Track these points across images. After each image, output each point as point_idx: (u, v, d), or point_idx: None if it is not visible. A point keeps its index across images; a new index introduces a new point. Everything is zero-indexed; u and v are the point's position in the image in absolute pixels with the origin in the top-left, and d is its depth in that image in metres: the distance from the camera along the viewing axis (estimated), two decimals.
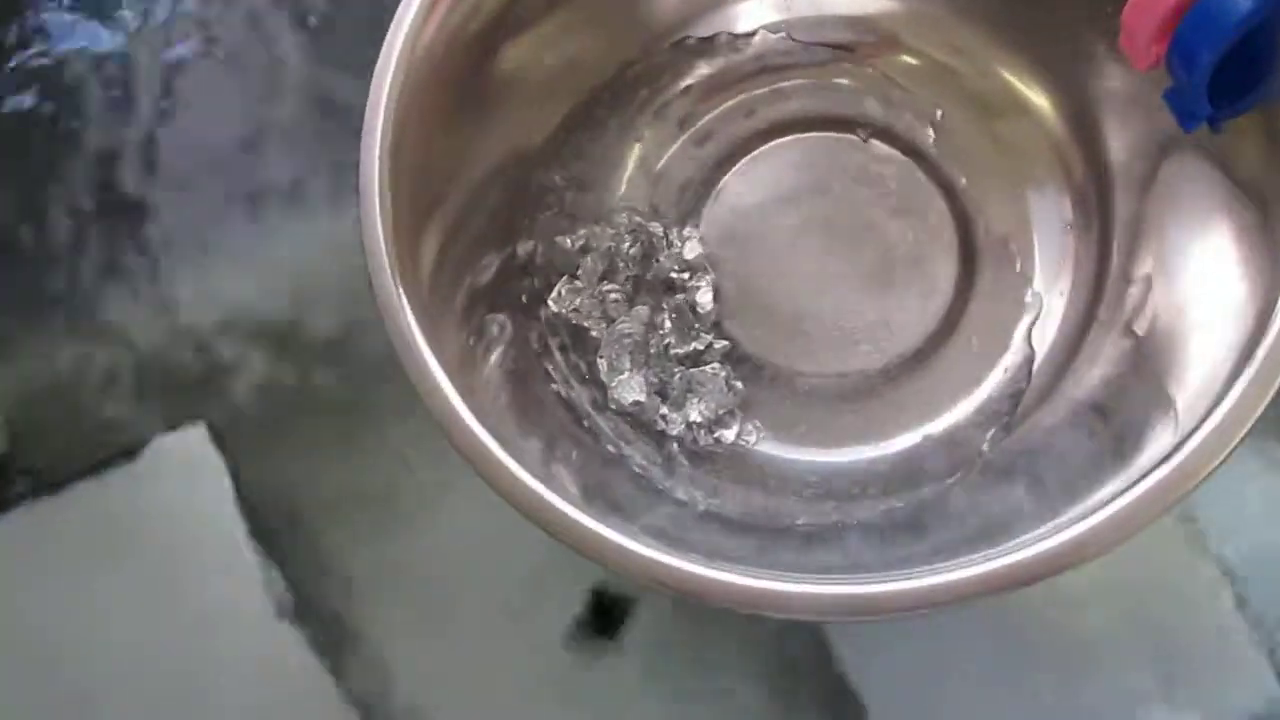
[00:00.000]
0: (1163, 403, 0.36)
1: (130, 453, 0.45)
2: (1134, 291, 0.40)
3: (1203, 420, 0.32)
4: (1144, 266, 0.40)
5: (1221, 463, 0.32)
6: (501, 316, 0.43)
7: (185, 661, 0.43)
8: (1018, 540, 0.35)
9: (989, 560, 0.32)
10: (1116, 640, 0.43)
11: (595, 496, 0.39)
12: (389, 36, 0.37)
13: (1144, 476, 0.32)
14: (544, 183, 0.45)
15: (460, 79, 0.39)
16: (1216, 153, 0.36)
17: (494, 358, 0.42)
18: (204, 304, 0.46)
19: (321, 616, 0.43)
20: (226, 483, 0.45)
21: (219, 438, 0.45)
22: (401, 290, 0.35)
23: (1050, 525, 0.35)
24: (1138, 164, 0.41)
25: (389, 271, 0.35)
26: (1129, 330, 0.39)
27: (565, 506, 0.33)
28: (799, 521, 0.41)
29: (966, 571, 0.32)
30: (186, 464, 0.46)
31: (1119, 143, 0.42)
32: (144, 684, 0.43)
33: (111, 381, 0.46)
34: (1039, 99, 0.43)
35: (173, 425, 0.46)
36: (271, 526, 0.44)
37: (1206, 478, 0.32)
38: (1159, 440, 0.35)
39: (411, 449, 0.45)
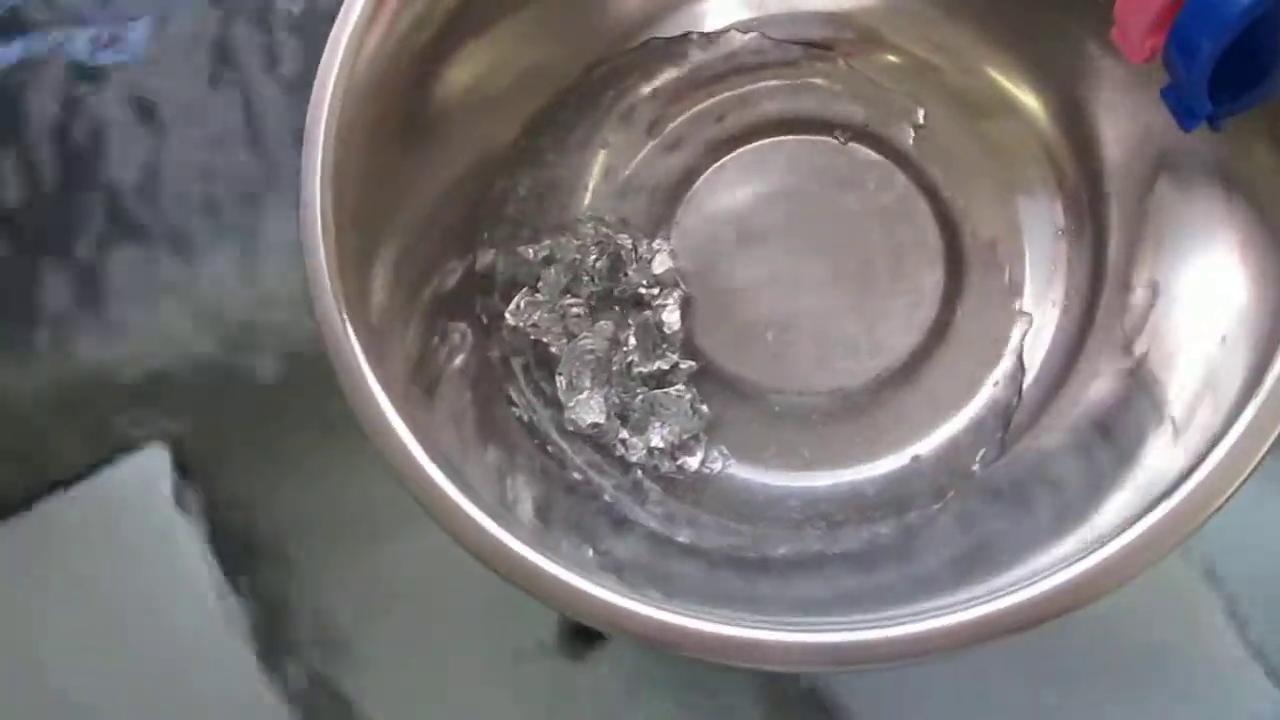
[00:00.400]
0: (1166, 424, 0.34)
1: (82, 477, 0.44)
2: (1133, 303, 0.38)
3: (1214, 443, 0.30)
4: (1142, 276, 0.38)
5: (1238, 488, 0.29)
6: (463, 326, 0.41)
7: (148, 696, 0.42)
8: (1014, 576, 0.33)
9: (988, 601, 0.29)
10: (1108, 654, 0.41)
11: (558, 528, 0.37)
12: (325, 56, 0.34)
13: (1153, 506, 0.30)
14: (505, 191, 0.42)
15: (409, 92, 0.37)
16: (1217, 154, 0.35)
17: (454, 371, 0.40)
18: (156, 322, 0.45)
19: (295, 645, 0.41)
20: (190, 508, 0.44)
21: (179, 460, 0.44)
22: (347, 321, 0.33)
23: (1047, 556, 0.33)
24: (1133, 166, 0.39)
25: (333, 302, 0.33)
26: (1128, 346, 0.37)
27: (519, 548, 0.31)
28: (780, 552, 0.38)
29: (964, 615, 0.29)
30: (144, 487, 0.45)
31: (1113, 144, 0.40)
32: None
33: (63, 404, 0.45)
34: (1027, 98, 0.42)
35: (128, 447, 0.44)
36: (239, 550, 0.43)
37: (1223, 505, 0.29)
38: (1163, 464, 0.33)
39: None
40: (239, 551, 0.44)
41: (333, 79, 0.34)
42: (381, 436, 0.32)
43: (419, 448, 0.32)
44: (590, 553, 0.37)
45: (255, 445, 0.46)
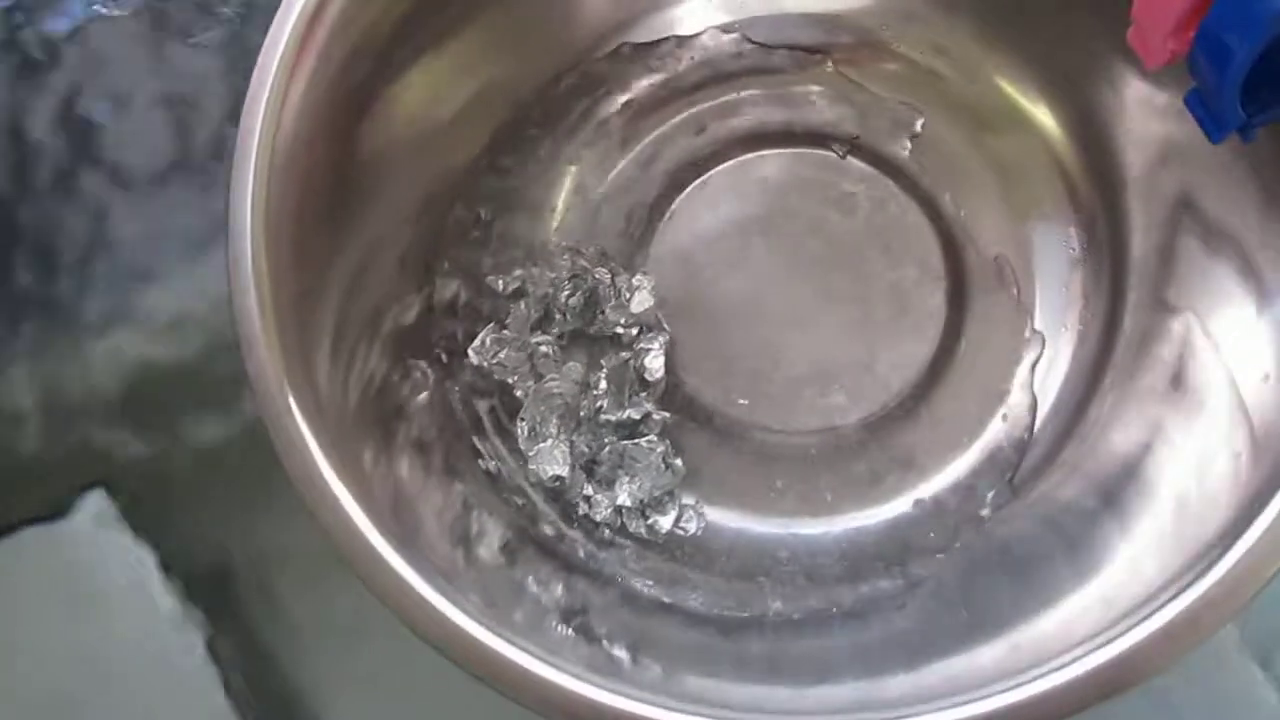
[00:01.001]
0: (1210, 471, 0.30)
1: (41, 519, 0.42)
2: (1159, 333, 0.35)
3: (1264, 499, 0.27)
4: (1169, 304, 0.34)
5: None
6: (424, 364, 0.37)
7: None
8: (1026, 638, 0.31)
9: (1013, 689, 0.26)
10: None
11: (524, 570, 0.34)
12: (248, 101, 0.31)
13: (1198, 570, 0.27)
14: (466, 216, 0.39)
15: (345, 124, 0.34)
16: (1251, 168, 0.32)
17: (420, 406, 0.37)
18: (111, 359, 0.43)
19: (259, 683, 0.40)
20: (146, 548, 0.42)
21: (134, 501, 0.42)
22: (288, 388, 0.30)
23: (1064, 618, 0.31)
24: (1156, 183, 0.36)
25: (269, 370, 0.30)
26: (1154, 380, 0.33)
27: (467, 624, 0.27)
28: (772, 610, 0.35)
29: (986, 705, 0.26)
30: (100, 528, 0.43)
31: (1133, 158, 0.37)
32: None
33: (13, 442, 0.43)
34: (1036, 108, 0.39)
35: (82, 488, 0.42)
36: (200, 589, 0.41)
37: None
38: (1201, 518, 0.29)
39: None
40: (202, 591, 0.42)
41: (259, 125, 0.31)
42: (322, 508, 0.29)
43: (365, 521, 0.29)
44: (556, 610, 0.34)
45: (215, 484, 0.43)
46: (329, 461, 0.30)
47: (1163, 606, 0.27)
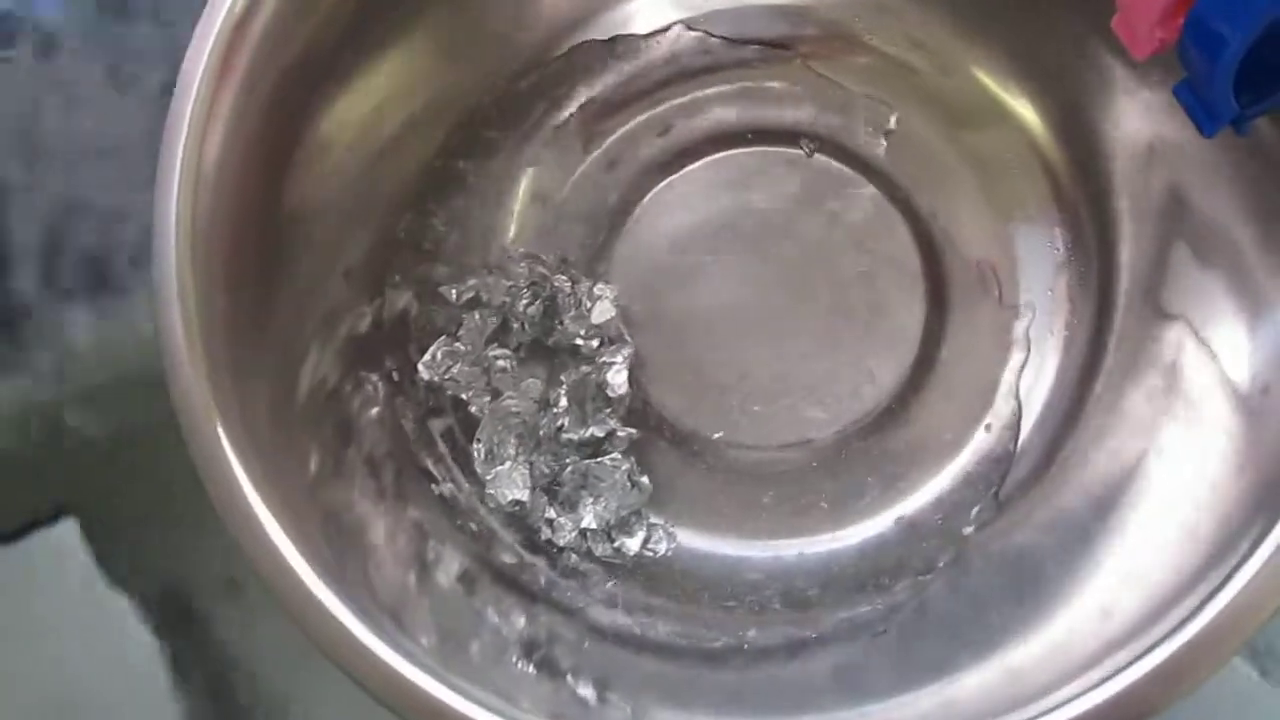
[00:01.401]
0: (1202, 487, 0.29)
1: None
2: (1152, 338, 0.33)
3: (1269, 524, 0.25)
4: (1162, 308, 0.33)
5: None
6: (375, 378, 0.35)
7: None
8: (1014, 662, 0.30)
9: None
10: None
11: (484, 599, 0.33)
12: (168, 127, 0.29)
13: (1203, 593, 0.25)
14: (418, 224, 0.37)
15: (283, 147, 0.32)
16: (1245, 163, 0.30)
17: (371, 420, 0.35)
18: (60, 378, 0.42)
19: (226, 703, 0.39)
20: (105, 570, 0.41)
21: (95, 521, 0.41)
22: (216, 417, 0.28)
23: (1054, 640, 0.30)
24: (1145, 180, 0.34)
25: (195, 399, 0.28)
26: (1147, 387, 0.32)
27: (411, 674, 0.26)
28: (748, 637, 0.33)
29: None
30: (59, 551, 0.41)
31: (1119, 153, 0.35)
32: None
33: None
34: (1017, 102, 0.37)
35: (41, 508, 0.41)
36: (162, 610, 0.40)
37: None
38: (1201, 535, 0.28)
39: None
40: (165, 612, 0.40)
41: (180, 149, 0.29)
42: (255, 549, 0.27)
43: (299, 559, 0.27)
44: (517, 642, 0.33)
45: (174, 502, 0.41)
46: (261, 494, 0.28)
47: (1165, 639, 0.25)
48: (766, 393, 0.37)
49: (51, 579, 0.41)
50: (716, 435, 0.37)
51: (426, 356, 0.35)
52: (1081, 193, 0.36)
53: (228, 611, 0.40)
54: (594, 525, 0.34)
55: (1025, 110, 0.37)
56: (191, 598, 0.40)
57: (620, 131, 0.40)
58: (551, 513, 0.34)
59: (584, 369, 0.35)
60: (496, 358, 0.35)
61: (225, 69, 0.30)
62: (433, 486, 0.35)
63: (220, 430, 0.28)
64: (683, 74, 0.39)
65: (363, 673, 0.26)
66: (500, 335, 0.36)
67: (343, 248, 0.35)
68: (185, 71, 0.30)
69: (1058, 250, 0.37)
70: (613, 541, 0.35)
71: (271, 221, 0.32)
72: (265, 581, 0.27)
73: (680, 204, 0.39)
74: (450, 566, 0.33)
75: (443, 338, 0.36)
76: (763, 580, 0.35)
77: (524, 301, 0.36)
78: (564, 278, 0.36)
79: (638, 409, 0.37)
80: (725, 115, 0.39)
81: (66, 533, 0.41)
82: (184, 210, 0.29)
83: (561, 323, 0.36)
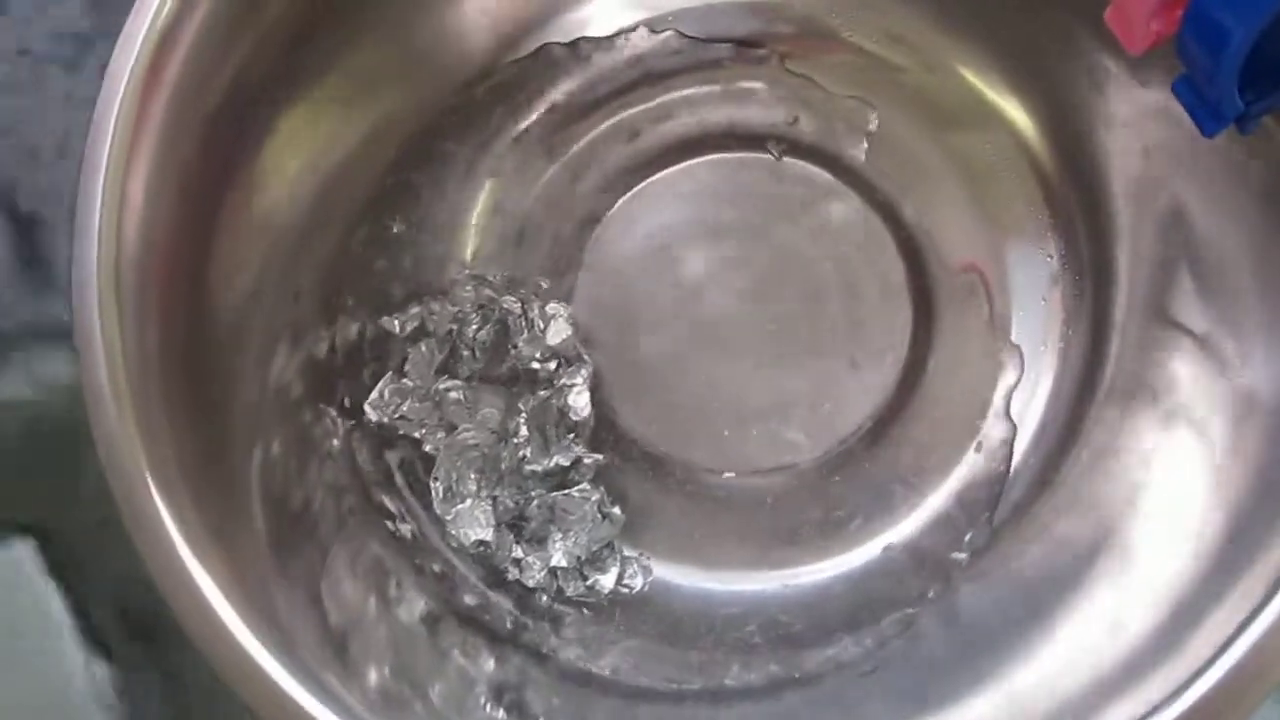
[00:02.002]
0: (1213, 513, 0.27)
1: None
2: (1153, 350, 0.31)
3: None
4: (1162, 318, 0.31)
5: None
6: (333, 411, 0.33)
7: None
8: (1010, 700, 0.29)
9: None
10: None
11: (449, 641, 0.31)
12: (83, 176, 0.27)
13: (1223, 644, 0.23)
14: (370, 240, 0.35)
15: (223, 168, 0.30)
16: (1249, 164, 0.28)
17: (335, 450, 0.33)
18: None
19: None
20: (59, 593, 0.39)
21: (49, 543, 0.39)
22: (145, 466, 0.26)
23: (1051, 676, 0.29)
24: (1143, 183, 0.32)
25: (121, 446, 0.26)
26: (1152, 402, 0.30)
27: None
28: (727, 680, 0.31)
29: None
30: (13, 573, 0.39)
31: (1115, 154, 0.33)
32: None
33: None
34: (1005, 101, 0.35)
35: None
36: (118, 635, 0.38)
37: None
38: (1213, 559, 0.27)
39: None
40: (124, 638, 0.38)
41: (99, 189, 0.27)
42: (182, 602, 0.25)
43: (235, 619, 0.25)
44: (485, 684, 0.31)
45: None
46: (192, 546, 0.25)
47: (1192, 681, 0.23)
48: (743, 414, 0.35)
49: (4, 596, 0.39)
50: (691, 460, 0.35)
51: (373, 395, 0.33)
52: (1075, 197, 0.34)
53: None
54: (564, 563, 0.32)
55: (1013, 110, 0.35)
56: (152, 617, 0.38)
57: (586, 138, 0.38)
58: (519, 551, 0.32)
59: (543, 394, 0.33)
60: (447, 390, 0.33)
61: (147, 97, 0.28)
62: (389, 524, 0.33)
63: (147, 474, 0.26)
64: (651, 77, 0.38)
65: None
66: (450, 365, 0.34)
67: (294, 270, 0.33)
68: (103, 100, 0.27)
69: (1050, 258, 0.35)
70: (585, 579, 0.33)
71: (212, 253, 0.31)
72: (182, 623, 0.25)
73: (650, 214, 0.37)
74: (414, 605, 0.32)
75: (389, 374, 0.34)
76: (743, 615, 0.34)
77: (473, 327, 0.34)
78: (513, 299, 0.34)
79: (606, 434, 0.35)
80: (697, 119, 0.38)
81: (23, 553, 0.39)
82: (107, 245, 0.27)
83: (515, 347, 0.34)
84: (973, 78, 0.35)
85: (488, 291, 0.34)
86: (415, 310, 0.34)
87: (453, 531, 0.32)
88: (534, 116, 0.38)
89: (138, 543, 0.26)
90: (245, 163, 0.31)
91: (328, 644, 0.29)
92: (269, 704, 0.25)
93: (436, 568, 0.33)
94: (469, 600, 0.33)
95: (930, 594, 0.33)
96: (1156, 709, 0.24)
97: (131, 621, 0.39)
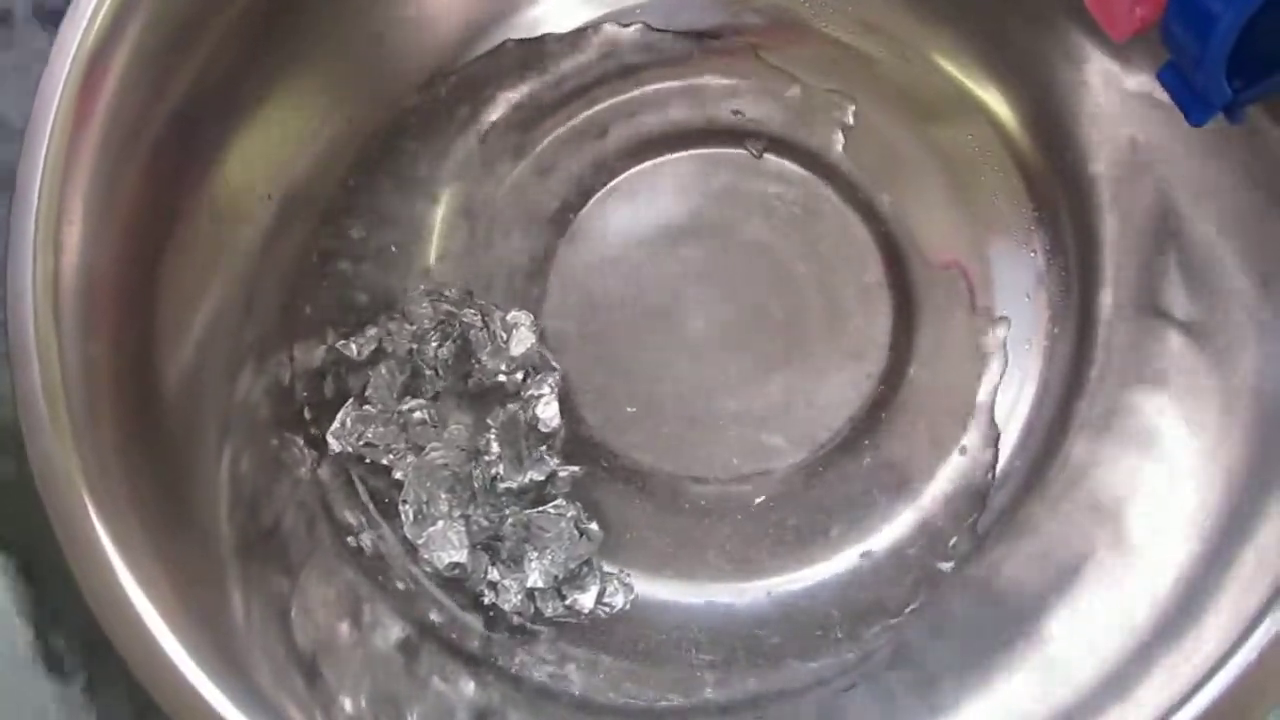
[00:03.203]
0: (1202, 511, 0.27)
1: None
2: (1142, 348, 0.31)
3: None
4: (1152, 314, 0.30)
5: None
6: (299, 439, 0.32)
7: None
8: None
9: None
10: None
11: (426, 668, 0.30)
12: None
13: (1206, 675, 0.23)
14: (331, 247, 0.33)
15: (175, 187, 0.29)
16: (1240, 154, 0.28)
17: (306, 475, 0.32)
18: None
19: None
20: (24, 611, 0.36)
21: (15, 561, 0.36)
22: (83, 487, 0.25)
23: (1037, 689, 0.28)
24: (1129, 173, 0.31)
25: (57, 465, 0.25)
26: (1140, 402, 0.29)
27: None
28: (705, 695, 0.30)
29: None
30: None
31: (1098, 145, 0.32)
32: None
33: None
34: (985, 92, 0.34)
35: None
36: (86, 654, 0.36)
37: None
38: (1207, 564, 0.26)
39: None
40: (89, 660, 0.36)
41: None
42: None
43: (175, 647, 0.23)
44: (465, 709, 0.31)
45: None
46: (133, 570, 0.24)
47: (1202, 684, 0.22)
48: (720, 419, 0.35)
49: None
50: (667, 469, 0.34)
51: (335, 425, 0.32)
52: (1060, 191, 0.33)
53: None
54: (541, 583, 0.31)
55: (994, 101, 0.34)
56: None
57: (553, 136, 0.37)
58: (494, 574, 0.31)
59: (511, 407, 0.32)
60: (411, 410, 0.32)
61: (81, 118, 0.26)
62: (357, 549, 0.31)
63: (84, 493, 0.25)
64: (620, 71, 0.37)
65: None
66: (413, 385, 0.33)
67: (254, 281, 0.32)
68: (35, 117, 0.26)
69: (1034, 254, 0.34)
70: (564, 599, 0.31)
71: (166, 266, 0.29)
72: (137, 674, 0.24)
73: (621, 213, 0.36)
74: (390, 632, 0.31)
75: (350, 402, 0.33)
76: (722, 628, 0.33)
77: (433, 345, 0.33)
78: (473, 311, 0.33)
79: (579, 446, 0.34)
80: (668, 115, 0.37)
81: None
82: (44, 266, 0.26)
83: (478, 361, 0.33)
84: (951, 67, 0.35)
85: (445, 306, 0.33)
86: (373, 332, 0.33)
87: (425, 556, 0.31)
88: (499, 114, 0.37)
89: (73, 564, 0.25)
90: (203, 169, 0.30)
91: (296, 670, 0.28)
92: None
93: (412, 592, 0.32)
94: (446, 625, 0.32)
95: (915, 604, 0.32)
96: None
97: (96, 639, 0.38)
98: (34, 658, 0.37)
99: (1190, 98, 0.26)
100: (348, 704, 0.28)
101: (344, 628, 0.30)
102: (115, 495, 0.26)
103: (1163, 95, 0.27)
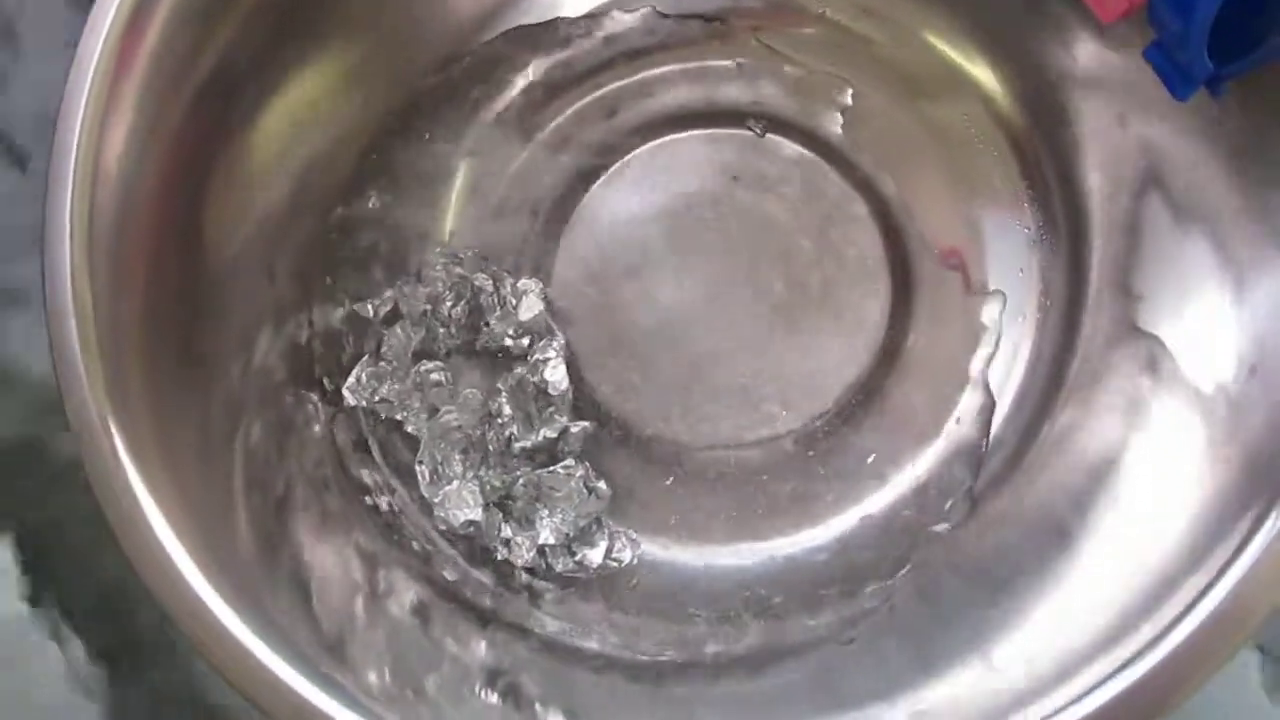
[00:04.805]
0: (1189, 476, 0.27)
1: None
2: (1129, 320, 0.31)
3: (1262, 516, 0.24)
4: (1140, 288, 0.31)
5: None
6: (315, 397, 0.33)
7: None
8: (990, 672, 0.28)
9: None
10: None
11: (440, 630, 0.31)
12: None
13: (1183, 611, 0.24)
14: (349, 220, 0.34)
15: (208, 148, 0.30)
16: (1221, 129, 0.29)
17: (315, 438, 0.33)
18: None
19: None
20: (46, 604, 0.38)
21: (35, 552, 0.38)
22: (128, 459, 0.26)
23: (1032, 647, 0.28)
24: (1118, 150, 0.32)
25: (94, 419, 0.26)
26: (1127, 373, 0.30)
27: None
28: (709, 650, 0.31)
29: None
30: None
31: (1090, 123, 0.33)
32: None
33: None
34: (979, 70, 0.35)
35: None
36: (109, 645, 0.37)
37: None
38: (1183, 538, 0.26)
39: None
40: (109, 647, 0.38)
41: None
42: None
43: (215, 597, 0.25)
44: (479, 670, 0.31)
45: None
46: (178, 535, 0.25)
47: (1152, 645, 0.23)
48: (723, 389, 0.35)
49: None
50: (671, 435, 0.35)
51: (350, 380, 0.33)
52: (1051, 167, 0.34)
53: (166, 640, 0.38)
54: (552, 540, 0.32)
55: (987, 81, 0.35)
56: (132, 631, 0.38)
57: (564, 116, 0.38)
58: (507, 531, 0.32)
59: (519, 371, 0.33)
60: (429, 372, 0.33)
61: (127, 54, 0.28)
62: (378, 514, 0.32)
63: (126, 460, 0.26)
64: (628, 54, 0.37)
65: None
66: (428, 345, 0.34)
67: (274, 248, 0.33)
68: (75, 75, 0.27)
69: (1028, 229, 0.35)
70: (574, 555, 0.32)
71: (196, 227, 0.31)
72: (192, 643, 0.25)
73: (629, 190, 0.37)
74: (403, 597, 0.32)
75: (365, 358, 0.34)
76: (725, 589, 0.33)
77: (448, 303, 0.34)
78: (485, 276, 0.34)
79: (587, 412, 0.35)
80: (674, 96, 0.37)
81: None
82: (79, 213, 0.27)
83: (487, 324, 0.34)
84: (945, 48, 0.35)
85: (459, 270, 0.34)
86: (389, 294, 0.34)
87: (441, 514, 0.32)
88: (511, 96, 0.37)
89: (113, 523, 0.26)
90: (234, 136, 0.31)
91: (322, 647, 0.29)
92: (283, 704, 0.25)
93: (425, 551, 0.33)
94: (459, 584, 0.32)
95: (910, 565, 0.33)
96: (1135, 657, 0.23)
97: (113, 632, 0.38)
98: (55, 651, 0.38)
99: (1175, 75, 0.27)
100: (373, 679, 0.29)
101: (359, 600, 0.31)
102: (154, 460, 0.27)
103: (1149, 73, 0.28)
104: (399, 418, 0.33)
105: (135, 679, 0.38)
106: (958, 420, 0.35)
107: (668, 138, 0.37)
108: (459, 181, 0.37)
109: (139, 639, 0.38)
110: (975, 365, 0.35)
